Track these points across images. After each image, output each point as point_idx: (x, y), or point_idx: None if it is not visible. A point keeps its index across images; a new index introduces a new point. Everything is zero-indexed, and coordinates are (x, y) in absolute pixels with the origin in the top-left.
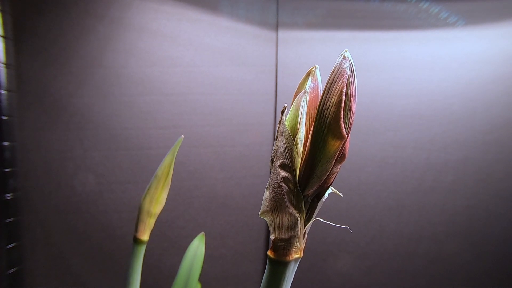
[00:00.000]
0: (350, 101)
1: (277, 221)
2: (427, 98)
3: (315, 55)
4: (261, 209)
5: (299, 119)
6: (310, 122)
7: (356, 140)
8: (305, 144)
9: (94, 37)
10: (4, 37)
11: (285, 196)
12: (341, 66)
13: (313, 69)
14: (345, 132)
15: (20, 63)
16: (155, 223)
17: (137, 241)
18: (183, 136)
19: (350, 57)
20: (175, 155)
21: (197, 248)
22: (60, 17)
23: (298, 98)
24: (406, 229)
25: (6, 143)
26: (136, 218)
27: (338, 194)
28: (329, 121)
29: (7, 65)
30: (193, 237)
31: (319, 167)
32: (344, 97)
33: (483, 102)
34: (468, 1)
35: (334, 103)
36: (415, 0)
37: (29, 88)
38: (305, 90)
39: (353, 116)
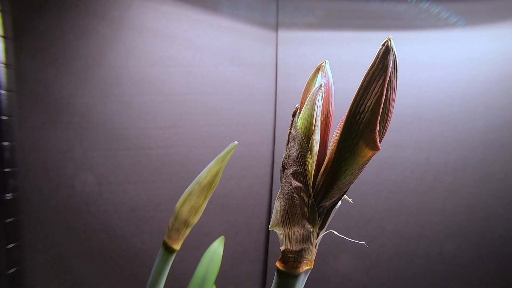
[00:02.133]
0: (389, 104)
1: (288, 234)
2: (427, 98)
3: (315, 55)
4: (271, 222)
5: (314, 118)
6: (321, 120)
7: None
8: (321, 146)
9: (94, 37)
10: (4, 37)
11: (298, 208)
12: (383, 60)
13: (322, 64)
14: (379, 143)
15: (20, 63)
16: (153, 223)
17: (168, 249)
18: (236, 142)
19: (394, 48)
20: (225, 163)
21: (215, 251)
22: (60, 17)
23: (313, 94)
24: (406, 229)
25: (6, 143)
26: (170, 224)
27: (348, 200)
28: (362, 128)
29: (7, 65)
30: (192, 237)
31: (342, 178)
32: (383, 100)
33: (483, 102)
34: (468, 2)
35: (371, 107)
36: (415, 0)
37: (29, 88)
38: (321, 85)
39: (389, 122)
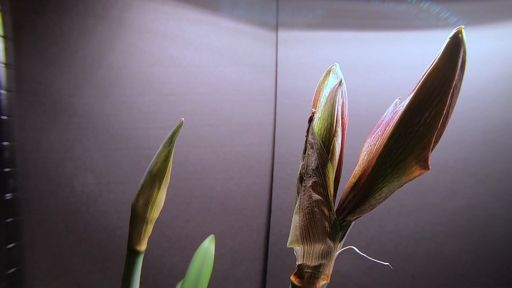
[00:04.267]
0: (448, 113)
1: (307, 250)
2: None
3: (315, 55)
4: (290, 239)
5: (335, 117)
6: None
7: (356, 140)
8: (342, 149)
9: (94, 37)
10: (4, 37)
11: (319, 223)
12: (452, 58)
13: (333, 66)
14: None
15: (20, 63)
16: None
17: (132, 252)
18: (183, 119)
19: (464, 40)
20: (173, 144)
21: (206, 250)
22: (60, 17)
23: (333, 91)
24: (406, 229)
25: (6, 143)
26: (129, 223)
27: None
28: (413, 144)
29: (7, 65)
30: (192, 237)
31: (376, 195)
32: (444, 112)
33: (483, 102)
34: (468, 2)
35: (428, 120)
36: (415, 0)
37: (29, 88)
38: (341, 80)
39: (442, 134)
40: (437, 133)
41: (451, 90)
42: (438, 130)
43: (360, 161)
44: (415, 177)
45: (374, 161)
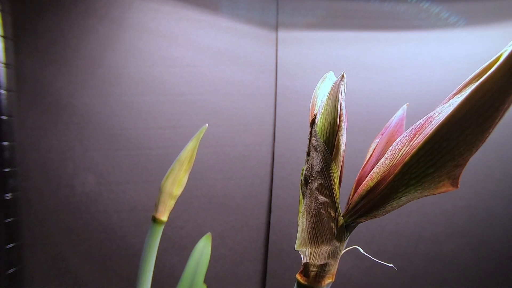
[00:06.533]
0: (493, 129)
1: (315, 251)
2: (427, 98)
3: (315, 55)
4: (297, 242)
5: (338, 112)
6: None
7: (356, 140)
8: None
9: (94, 37)
10: (4, 37)
11: (326, 225)
12: None
13: (327, 74)
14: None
15: (20, 63)
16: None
17: (156, 221)
18: (207, 124)
19: None
20: (199, 141)
21: (203, 248)
22: (60, 17)
23: (335, 86)
24: (406, 229)
25: (5, 143)
26: (157, 199)
27: None
28: (446, 160)
29: (7, 65)
30: (192, 237)
31: (394, 202)
32: (491, 130)
33: None
34: (468, 2)
35: (470, 137)
36: (415, 0)
37: (29, 88)
38: (343, 75)
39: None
40: (475, 150)
41: (505, 106)
42: (478, 148)
43: (380, 164)
44: (440, 193)
45: (398, 169)
